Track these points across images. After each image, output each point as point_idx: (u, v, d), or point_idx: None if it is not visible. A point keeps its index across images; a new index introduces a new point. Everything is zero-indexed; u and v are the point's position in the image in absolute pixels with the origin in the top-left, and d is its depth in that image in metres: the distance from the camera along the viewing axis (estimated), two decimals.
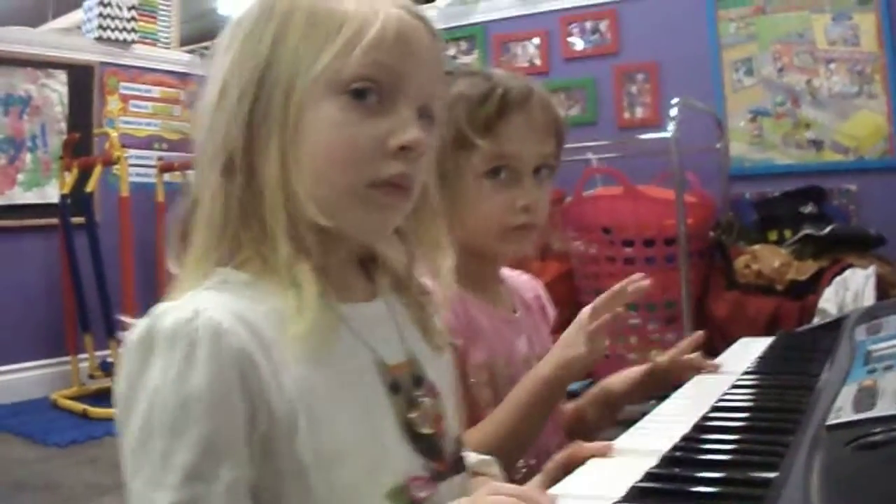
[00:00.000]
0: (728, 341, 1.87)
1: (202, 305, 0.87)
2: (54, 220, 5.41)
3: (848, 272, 3.71)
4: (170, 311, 0.87)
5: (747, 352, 1.66)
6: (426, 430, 0.99)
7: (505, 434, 1.36)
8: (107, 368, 5.32)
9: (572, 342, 1.43)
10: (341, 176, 0.93)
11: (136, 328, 0.88)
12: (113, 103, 6.07)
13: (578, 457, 1.09)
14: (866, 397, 0.98)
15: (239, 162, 0.95)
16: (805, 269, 3.89)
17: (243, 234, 0.95)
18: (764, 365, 1.53)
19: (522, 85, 1.51)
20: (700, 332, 1.66)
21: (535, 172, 1.51)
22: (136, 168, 5.80)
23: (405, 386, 1.00)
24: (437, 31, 1.01)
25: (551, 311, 1.72)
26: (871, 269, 3.67)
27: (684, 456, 0.97)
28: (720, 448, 0.99)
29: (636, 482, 0.88)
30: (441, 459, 0.99)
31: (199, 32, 6.73)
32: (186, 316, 0.86)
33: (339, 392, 0.92)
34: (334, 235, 0.97)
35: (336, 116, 0.93)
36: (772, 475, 0.82)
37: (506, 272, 1.65)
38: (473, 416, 1.42)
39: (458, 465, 1.04)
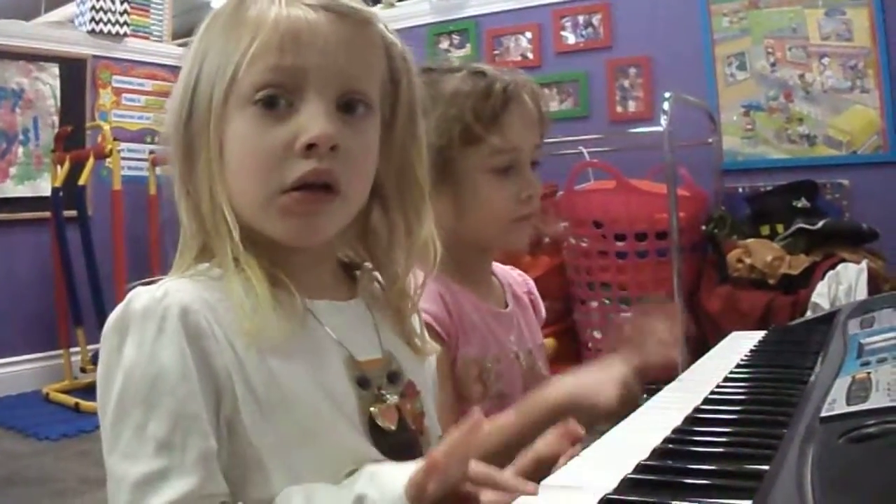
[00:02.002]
0: (720, 335, 1.87)
1: (173, 287, 0.92)
2: (46, 214, 5.40)
3: (840, 267, 3.72)
4: (143, 293, 0.92)
5: (739, 346, 1.66)
6: (387, 425, 1.00)
7: (495, 449, 1.32)
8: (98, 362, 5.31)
9: (600, 387, 1.36)
10: (256, 188, 0.95)
11: (114, 311, 0.92)
12: (105, 97, 6.06)
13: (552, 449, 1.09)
14: (860, 390, 0.98)
15: (186, 178, 0.99)
16: (797, 264, 3.89)
17: (204, 236, 0.99)
18: (757, 358, 1.53)
19: (514, 77, 1.52)
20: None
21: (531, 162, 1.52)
22: (129, 161, 5.80)
23: (375, 381, 1.01)
24: (354, 11, 0.99)
25: (542, 309, 1.72)
26: (864, 264, 3.67)
27: (677, 448, 0.97)
28: (713, 440, 0.99)
29: (628, 474, 0.88)
30: (410, 458, 0.97)
31: (192, 26, 6.60)
32: (158, 296, 0.90)
33: (302, 381, 0.94)
34: None
35: (246, 129, 0.95)
36: (765, 467, 0.82)
37: (497, 267, 1.65)
38: (463, 411, 1.41)
39: None
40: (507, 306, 1.60)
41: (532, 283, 1.73)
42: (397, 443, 1.00)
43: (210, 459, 0.86)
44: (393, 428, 1.00)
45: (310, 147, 0.93)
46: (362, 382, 1.00)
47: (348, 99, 0.97)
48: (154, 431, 0.85)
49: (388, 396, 1.02)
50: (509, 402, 1.49)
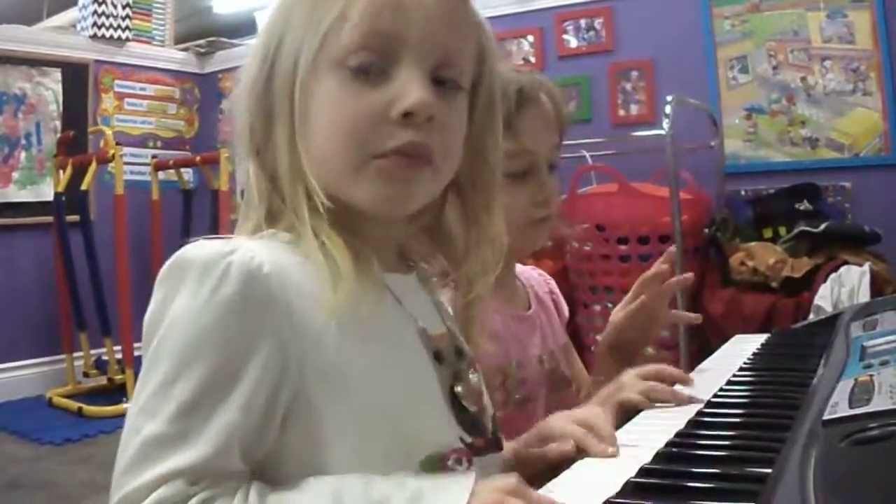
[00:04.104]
0: (723, 338, 1.87)
1: (244, 245, 0.86)
2: (49, 218, 5.41)
3: (843, 269, 3.71)
4: (209, 244, 0.85)
5: (742, 349, 1.66)
6: (470, 407, 0.98)
7: None
8: (102, 366, 5.32)
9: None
10: (346, 152, 0.91)
11: (172, 257, 0.86)
12: (107, 101, 6.08)
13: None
14: (862, 392, 0.98)
15: (259, 141, 0.96)
16: (800, 266, 3.88)
17: (278, 205, 0.95)
18: (759, 361, 1.53)
19: (531, 79, 1.51)
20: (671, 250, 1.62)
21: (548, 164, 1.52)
22: (131, 166, 5.81)
23: (449, 357, 0.99)
24: None
25: (565, 308, 1.71)
26: (866, 266, 3.66)
27: (680, 452, 0.97)
28: (716, 444, 0.99)
29: (631, 478, 0.88)
30: (481, 436, 0.98)
31: (194, 30, 6.72)
32: (224, 250, 0.84)
33: (381, 357, 0.90)
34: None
35: (336, 92, 0.91)
36: (767, 471, 0.82)
37: (519, 268, 1.64)
38: None
39: (497, 443, 1.03)
40: (529, 308, 1.59)
41: (553, 283, 1.72)
42: (473, 422, 0.98)
43: (232, 434, 0.79)
44: (475, 409, 0.99)
45: (406, 115, 0.90)
46: (438, 357, 0.97)
47: (443, 71, 0.94)
48: (180, 392, 0.78)
49: (468, 375, 1.01)
50: (531, 409, 1.48)
